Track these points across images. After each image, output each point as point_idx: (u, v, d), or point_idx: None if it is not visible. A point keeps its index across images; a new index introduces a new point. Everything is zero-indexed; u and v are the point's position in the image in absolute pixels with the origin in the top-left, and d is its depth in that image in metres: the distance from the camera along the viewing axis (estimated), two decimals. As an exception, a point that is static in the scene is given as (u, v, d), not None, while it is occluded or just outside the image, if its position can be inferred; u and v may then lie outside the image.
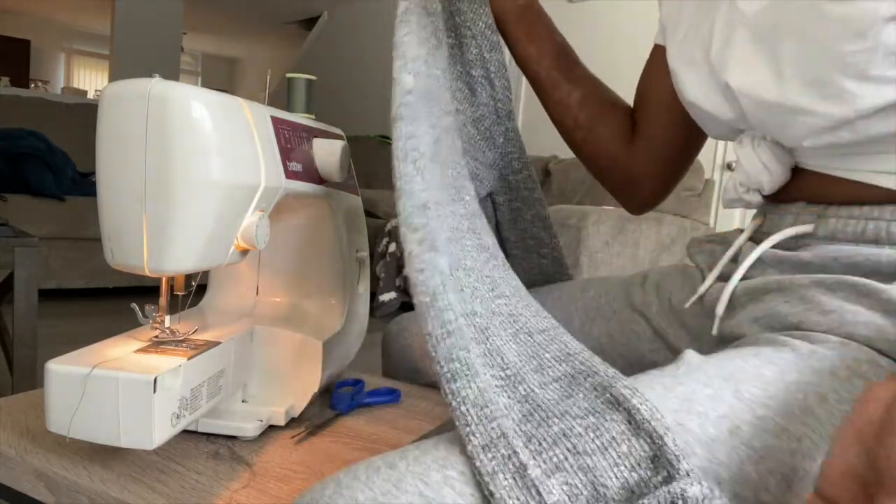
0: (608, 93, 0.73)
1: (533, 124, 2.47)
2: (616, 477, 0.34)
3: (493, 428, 0.36)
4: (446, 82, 0.56)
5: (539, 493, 0.33)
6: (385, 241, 2.82)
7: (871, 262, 0.45)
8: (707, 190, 2.78)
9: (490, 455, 0.35)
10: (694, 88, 0.54)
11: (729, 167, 2.95)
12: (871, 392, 0.29)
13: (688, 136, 0.67)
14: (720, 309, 0.53)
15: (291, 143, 0.59)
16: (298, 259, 0.71)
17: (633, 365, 0.65)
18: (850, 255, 0.46)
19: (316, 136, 0.65)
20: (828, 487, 0.27)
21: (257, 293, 0.71)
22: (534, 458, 0.34)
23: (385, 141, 3.79)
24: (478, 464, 0.34)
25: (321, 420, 0.63)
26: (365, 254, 0.75)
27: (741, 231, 0.58)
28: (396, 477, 0.34)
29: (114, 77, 4.23)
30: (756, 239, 0.55)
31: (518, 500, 0.33)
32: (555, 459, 0.34)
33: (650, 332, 0.66)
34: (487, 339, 0.42)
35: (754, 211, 0.58)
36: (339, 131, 0.72)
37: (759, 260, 0.51)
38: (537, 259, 0.78)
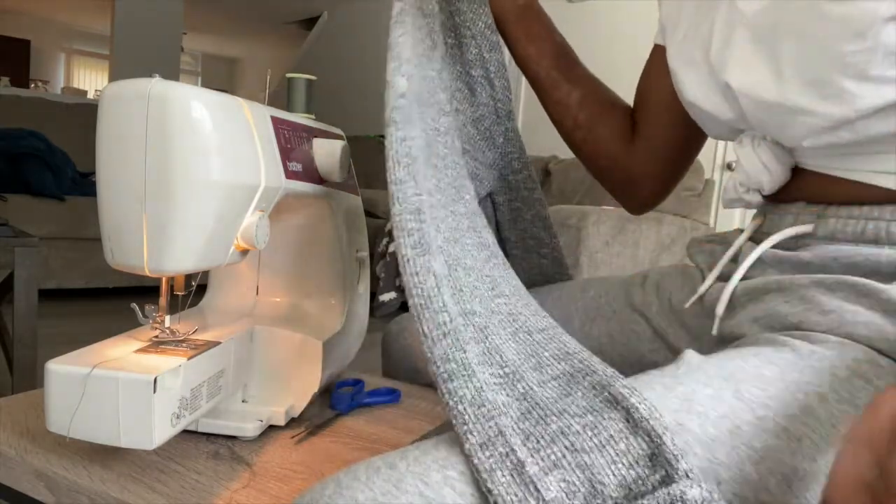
0: (608, 93, 0.73)
1: (533, 124, 2.47)
2: (613, 474, 0.34)
3: (490, 426, 0.36)
4: (444, 83, 0.56)
5: (537, 490, 0.33)
6: (385, 241, 2.82)
7: (870, 262, 0.45)
8: (707, 190, 2.78)
9: (488, 453, 0.35)
10: (694, 88, 0.54)
11: (729, 167, 2.95)
12: (882, 399, 0.28)
13: (688, 136, 0.67)
14: (720, 309, 0.53)
15: (291, 143, 0.59)
16: (298, 259, 0.71)
17: (633, 365, 0.65)
18: (849, 255, 0.46)
19: (316, 136, 0.65)
20: (837, 495, 0.27)
21: (257, 293, 0.71)
22: (531, 455, 0.34)
23: (385, 141, 3.79)
24: (475, 461, 0.34)
25: (321, 420, 0.63)
26: (365, 254, 0.75)
27: (741, 231, 0.58)
28: (397, 477, 0.35)
29: (114, 77, 4.23)
30: (756, 239, 0.55)
31: (516, 496, 0.33)
32: (553, 457, 0.34)
33: (650, 332, 0.66)
34: (486, 337, 0.42)
35: (754, 211, 0.58)
36: (339, 131, 0.72)
37: (759, 260, 0.51)
38: (537, 259, 0.78)
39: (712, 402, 0.38)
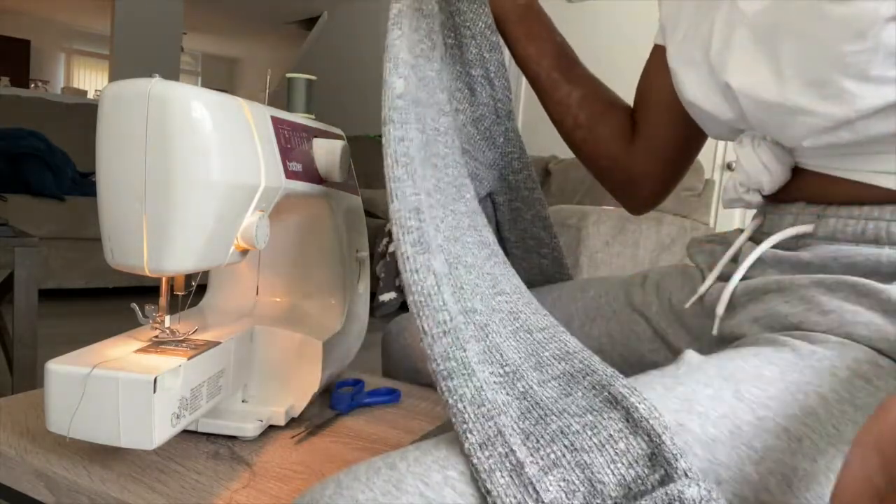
0: (608, 93, 0.73)
1: (533, 124, 2.47)
2: (613, 474, 0.34)
3: (490, 426, 0.36)
4: (443, 83, 0.56)
5: (536, 492, 0.33)
6: (385, 241, 2.82)
7: (870, 262, 0.45)
8: (707, 190, 2.78)
9: (487, 453, 0.35)
10: (694, 88, 0.54)
11: (729, 167, 2.95)
12: (891, 402, 0.28)
13: (688, 135, 0.67)
14: (720, 309, 0.53)
15: (291, 143, 0.59)
16: (298, 259, 0.71)
17: (633, 365, 0.65)
18: (849, 255, 0.46)
19: (316, 136, 0.65)
20: (845, 499, 0.27)
21: (257, 293, 0.71)
22: (531, 455, 0.34)
23: (382, 140, 3.78)
24: (475, 461, 0.34)
25: (321, 420, 0.63)
26: (365, 254, 0.75)
27: (741, 231, 0.58)
28: (397, 477, 0.34)
29: (114, 77, 4.23)
30: (756, 239, 0.55)
31: (515, 498, 0.33)
32: (552, 456, 0.34)
33: (650, 333, 0.66)
34: (487, 336, 0.42)
35: (754, 211, 0.58)
36: (339, 131, 0.72)
37: (759, 260, 0.51)
38: (537, 259, 0.78)
39: (712, 403, 0.38)
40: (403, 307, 2.62)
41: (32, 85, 6.66)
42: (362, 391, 0.70)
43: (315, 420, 0.63)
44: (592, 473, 0.34)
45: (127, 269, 0.49)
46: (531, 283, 0.78)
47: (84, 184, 2.99)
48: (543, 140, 2.24)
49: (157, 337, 0.54)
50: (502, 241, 0.77)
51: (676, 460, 0.33)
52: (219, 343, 0.54)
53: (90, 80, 8.16)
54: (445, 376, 0.38)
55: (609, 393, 0.38)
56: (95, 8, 6.43)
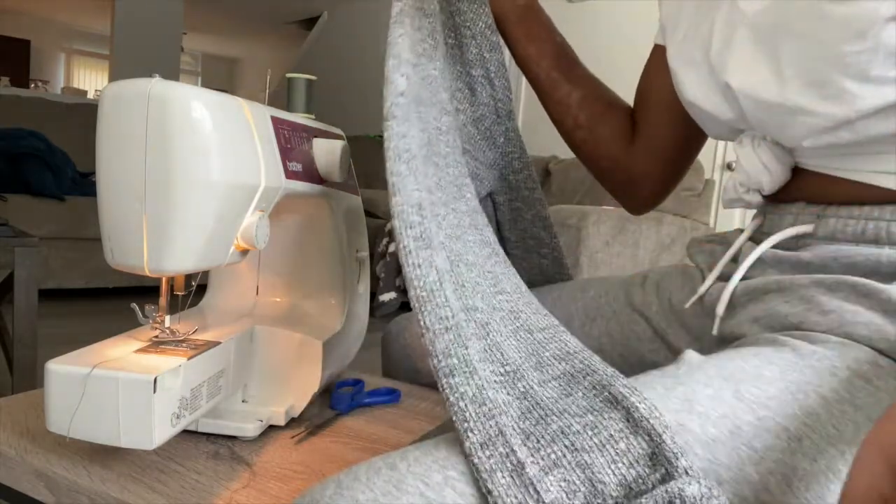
0: (608, 93, 0.73)
1: (533, 124, 2.47)
2: (613, 473, 0.34)
3: (491, 426, 0.36)
4: (445, 82, 0.56)
5: (536, 493, 0.33)
6: (385, 241, 2.82)
7: (870, 262, 0.45)
8: (707, 190, 2.78)
9: (488, 452, 0.35)
10: (694, 88, 0.54)
11: (729, 167, 2.95)
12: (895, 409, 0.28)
13: (688, 136, 0.67)
14: (720, 309, 0.53)
15: (291, 143, 0.59)
16: (298, 259, 0.71)
17: (633, 365, 0.65)
18: (849, 255, 0.46)
19: (316, 136, 0.65)
20: None
21: (257, 293, 0.71)
22: (531, 455, 0.34)
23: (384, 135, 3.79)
24: (475, 461, 0.34)
25: (321, 420, 0.63)
26: (365, 254, 0.75)
27: (741, 231, 0.58)
28: (397, 478, 0.34)
29: (114, 77, 4.23)
30: (756, 239, 0.55)
31: (515, 498, 0.33)
32: (552, 456, 0.34)
33: (650, 333, 0.66)
34: (488, 334, 0.42)
35: (754, 211, 0.58)
36: (339, 131, 0.72)
37: (760, 260, 0.51)
38: (537, 259, 0.78)
39: (713, 403, 0.38)
40: (403, 307, 2.62)
41: (32, 85, 6.66)
42: (362, 391, 0.70)
43: (315, 420, 0.63)
44: (593, 473, 0.34)
45: (127, 269, 0.49)
46: (531, 283, 0.78)
47: (84, 184, 2.99)
48: (543, 140, 2.24)
49: (157, 337, 0.54)
50: (503, 240, 0.77)
51: (677, 459, 0.33)
52: (219, 343, 0.54)
53: (90, 80, 8.16)
54: (447, 373, 0.38)
55: (609, 393, 0.38)
56: (95, 8, 6.43)
